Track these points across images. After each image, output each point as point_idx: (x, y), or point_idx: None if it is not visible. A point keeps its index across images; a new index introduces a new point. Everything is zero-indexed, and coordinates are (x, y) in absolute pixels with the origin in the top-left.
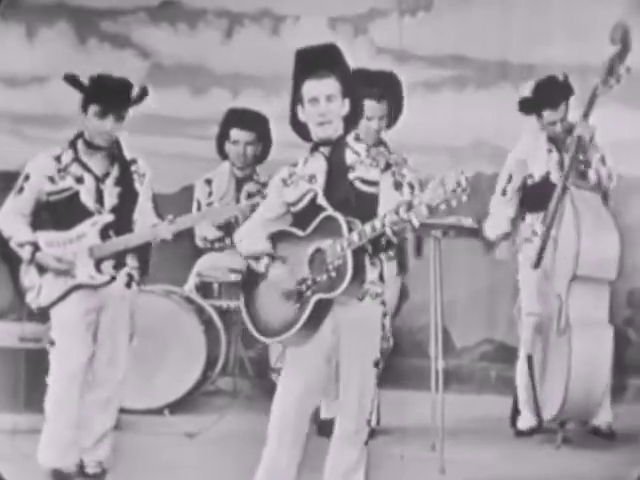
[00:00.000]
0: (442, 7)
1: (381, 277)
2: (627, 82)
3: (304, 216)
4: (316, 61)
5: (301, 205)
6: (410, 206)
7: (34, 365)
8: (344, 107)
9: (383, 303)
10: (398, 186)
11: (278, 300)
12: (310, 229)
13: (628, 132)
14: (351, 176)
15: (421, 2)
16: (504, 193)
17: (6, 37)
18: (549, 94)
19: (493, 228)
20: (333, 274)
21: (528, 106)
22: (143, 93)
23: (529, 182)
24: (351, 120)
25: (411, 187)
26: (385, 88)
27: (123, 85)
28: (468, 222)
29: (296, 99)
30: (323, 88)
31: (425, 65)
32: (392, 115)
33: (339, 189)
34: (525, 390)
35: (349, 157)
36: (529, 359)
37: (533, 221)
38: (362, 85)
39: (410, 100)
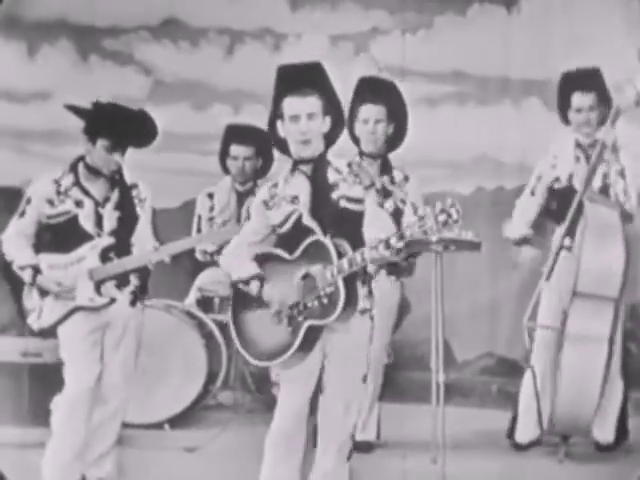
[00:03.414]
0: (443, 25)
1: (370, 292)
2: None
3: (290, 237)
4: (299, 78)
5: (286, 227)
6: (388, 245)
7: (37, 380)
8: (325, 124)
9: (372, 318)
10: (385, 203)
11: (269, 323)
12: (298, 253)
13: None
14: (335, 195)
15: (422, 20)
16: (533, 193)
17: (7, 54)
18: (580, 76)
19: (513, 229)
20: (325, 301)
21: (562, 86)
22: (154, 134)
23: (556, 186)
24: (332, 137)
25: (414, 208)
26: (382, 92)
27: (136, 121)
28: (469, 236)
29: (276, 114)
30: (305, 106)
31: (426, 81)
32: (397, 129)
33: (324, 209)
34: (525, 402)
35: (331, 175)
36: (533, 371)
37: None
38: (360, 91)
39: (411, 116)
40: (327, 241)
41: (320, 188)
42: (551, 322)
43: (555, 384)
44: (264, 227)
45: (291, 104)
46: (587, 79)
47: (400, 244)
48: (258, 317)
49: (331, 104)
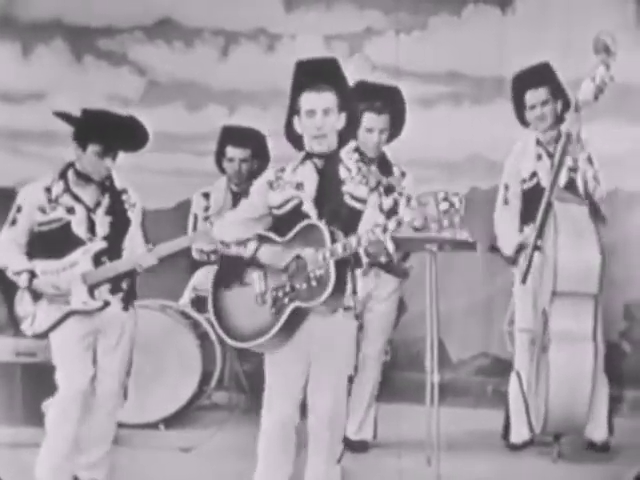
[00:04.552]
0: (437, 25)
1: (354, 290)
2: (619, 96)
3: (285, 221)
4: (316, 74)
5: (284, 210)
6: (385, 228)
7: (30, 380)
8: (340, 121)
9: (356, 317)
10: (385, 206)
11: (252, 304)
12: (290, 235)
13: (620, 146)
14: (342, 189)
15: (417, 20)
16: (506, 202)
17: (2, 54)
18: (530, 74)
19: (506, 243)
20: (314, 283)
21: (515, 88)
22: (145, 139)
23: (524, 187)
24: (346, 134)
25: (408, 200)
26: (387, 101)
27: (127, 126)
28: (464, 236)
29: (293, 110)
30: (321, 101)
31: (421, 81)
32: (394, 129)
33: (331, 200)
34: (515, 404)
35: (341, 172)
36: (518, 375)
37: (531, 233)
38: (364, 97)
39: (406, 116)
40: (321, 224)
41: (328, 180)
42: (528, 324)
43: (540, 385)
44: (262, 206)
45: (307, 99)
46: (537, 75)
47: (397, 228)
48: (240, 296)
49: (346, 101)
